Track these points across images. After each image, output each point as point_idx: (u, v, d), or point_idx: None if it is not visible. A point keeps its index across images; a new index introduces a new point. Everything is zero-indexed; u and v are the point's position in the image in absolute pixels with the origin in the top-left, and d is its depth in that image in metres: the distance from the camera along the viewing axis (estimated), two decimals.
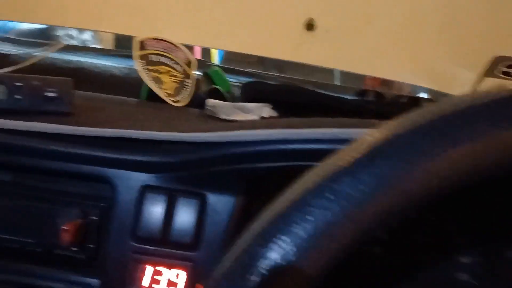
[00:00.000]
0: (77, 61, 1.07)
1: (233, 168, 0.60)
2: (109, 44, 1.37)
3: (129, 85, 1.04)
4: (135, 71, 1.07)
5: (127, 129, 0.63)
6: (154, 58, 0.97)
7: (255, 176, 0.61)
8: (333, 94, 1.01)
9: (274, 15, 1.14)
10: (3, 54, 1.05)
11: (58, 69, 1.04)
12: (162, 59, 0.98)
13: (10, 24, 1.28)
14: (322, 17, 1.08)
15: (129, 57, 1.12)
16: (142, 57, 0.96)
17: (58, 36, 1.29)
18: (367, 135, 0.34)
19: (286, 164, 0.59)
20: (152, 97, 0.96)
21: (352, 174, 0.32)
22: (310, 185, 0.33)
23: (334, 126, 0.59)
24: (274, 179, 0.61)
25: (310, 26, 1.11)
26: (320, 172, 0.34)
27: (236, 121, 0.80)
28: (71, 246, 0.62)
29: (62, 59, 1.06)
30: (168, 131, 0.62)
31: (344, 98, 1.01)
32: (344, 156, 0.34)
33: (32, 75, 0.68)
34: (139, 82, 1.04)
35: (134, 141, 0.62)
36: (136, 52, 0.95)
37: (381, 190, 0.32)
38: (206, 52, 1.42)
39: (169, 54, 0.99)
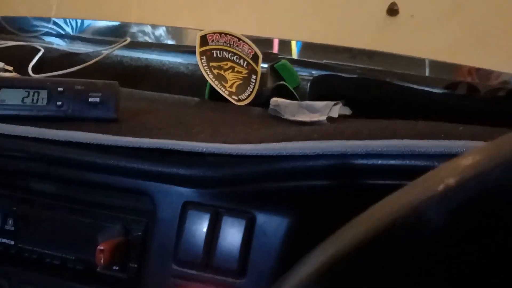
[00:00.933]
0: (145, 58, 1.03)
1: (285, 185, 0.52)
2: (179, 40, 1.33)
3: (194, 83, 0.99)
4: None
5: (170, 138, 0.56)
6: (217, 53, 0.90)
7: (311, 195, 0.52)
8: (418, 87, 0.89)
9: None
10: (73, 53, 1.04)
11: (124, 67, 1.01)
12: (226, 54, 0.91)
13: (85, 22, 1.28)
14: (406, 0, 0.95)
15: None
16: (205, 53, 0.89)
17: (131, 32, 1.27)
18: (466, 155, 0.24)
19: (349, 183, 0.50)
20: (215, 95, 0.89)
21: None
22: (382, 219, 0.24)
23: (412, 136, 0.48)
24: (335, 199, 0.52)
25: (392, 11, 0.99)
26: (401, 200, 0.24)
27: (301, 122, 0.71)
28: (112, 265, 0.57)
29: (129, 56, 1.03)
30: (215, 141, 0.55)
31: (431, 92, 0.88)
32: (433, 180, 0.24)
33: (75, 79, 0.63)
34: (205, 79, 0.99)
35: (176, 152, 0.55)
36: (198, 48, 0.89)
37: None
38: (283, 44, 1.33)
39: (233, 48, 0.91)
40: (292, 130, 0.58)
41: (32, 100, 0.62)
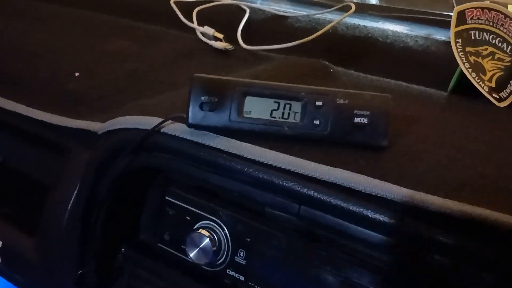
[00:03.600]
0: (364, 26, 0.85)
1: None
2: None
3: (425, 63, 0.80)
4: (436, 42, 0.82)
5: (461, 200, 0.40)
6: (476, 35, 0.70)
7: None
8: None
9: None
10: (281, 16, 0.89)
11: (338, 37, 0.84)
12: (486, 36, 0.70)
13: None
14: None
15: (432, 22, 0.87)
16: (461, 34, 0.70)
17: None
18: None
19: None
20: (464, 88, 0.70)
21: None
22: None
23: None
24: None
25: None
26: None
27: None
28: None
29: (345, 23, 0.86)
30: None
31: None
32: None
33: (336, 90, 0.49)
34: (441, 59, 0.79)
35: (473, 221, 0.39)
36: (453, 27, 0.69)
37: None
38: None
39: (496, 28, 0.70)
40: None
41: (283, 114, 0.48)
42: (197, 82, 0.49)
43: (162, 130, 0.52)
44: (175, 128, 0.51)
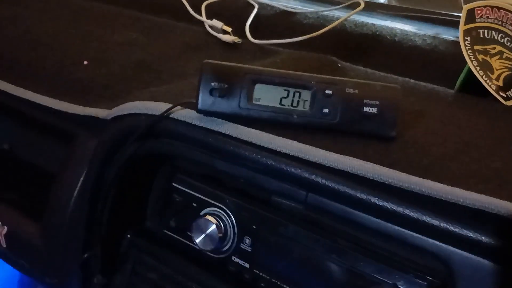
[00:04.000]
0: (372, 24, 0.85)
1: None
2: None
3: (432, 62, 0.80)
4: (443, 42, 0.82)
5: (479, 190, 0.40)
6: (485, 33, 0.70)
7: None
8: None
9: None
10: (289, 12, 0.89)
11: (346, 34, 0.85)
12: (494, 35, 0.70)
13: None
14: None
15: (440, 22, 0.87)
16: (470, 33, 0.70)
17: None
18: None
19: None
20: (470, 87, 0.70)
21: None
22: None
23: None
24: None
25: None
26: None
27: None
28: None
29: (353, 21, 0.86)
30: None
31: None
32: None
33: (346, 79, 0.49)
34: (449, 58, 0.79)
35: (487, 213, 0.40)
36: (462, 25, 0.70)
37: None
38: None
39: (504, 27, 0.70)
40: None
41: (292, 102, 0.48)
42: (207, 68, 0.49)
43: (171, 116, 0.52)
44: (184, 114, 0.51)
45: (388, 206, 0.42)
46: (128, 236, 0.59)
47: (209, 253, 0.53)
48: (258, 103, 0.49)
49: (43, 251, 0.62)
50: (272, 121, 0.49)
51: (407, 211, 0.41)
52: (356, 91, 0.48)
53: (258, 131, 0.48)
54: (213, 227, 0.51)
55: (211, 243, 0.51)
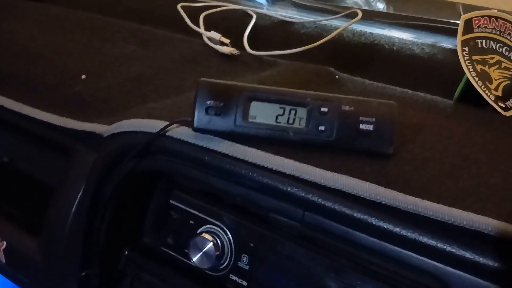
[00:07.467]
0: (370, 33, 0.85)
1: None
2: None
3: (431, 71, 0.80)
4: (442, 50, 0.82)
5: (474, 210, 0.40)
6: (483, 43, 0.70)
7: None
8: None
9: None
10: (287, 22, 0.89)
11: (344, 44, 0.84)
12: (493, 45, 0.70)
13: None
14: None
15: (439, 30, 0.87)
16: (467, 43, 0.70)
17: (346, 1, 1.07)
18: None
19: None
20: (470, 97, 0.70)
21: None
22: None
23: None
24: None
25: None
26: None
27: None
28: None
29: (351, 30, 0.86)
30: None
31: None
32: None
33: (341, 96, 0.49)
34: (448, 67, 0.79)
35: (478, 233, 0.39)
36: (460, 35, 0.69)
37: None
38: None
39: (503, 37, 0.70)
40: None
41: (288, 120, 0.48)
42: (203, 87, 0.49)
43: (167, 134, 0.52)
44: (180, 132, 0.51)
45: (385, 227, 0.42)
46: (126, 252, 0.59)
47: (206, 271, 0.53)
48: (254, 120, 0.49)
49: (42, 267, 0.62)
50: (268, 138, 0.49)
51: (404, 232, 0.41)
52: (352, 108, 0.48)
53: (254, 150, 0.48)
54: (210, 245, 0.51)
55: (208, 261, 0.51)
